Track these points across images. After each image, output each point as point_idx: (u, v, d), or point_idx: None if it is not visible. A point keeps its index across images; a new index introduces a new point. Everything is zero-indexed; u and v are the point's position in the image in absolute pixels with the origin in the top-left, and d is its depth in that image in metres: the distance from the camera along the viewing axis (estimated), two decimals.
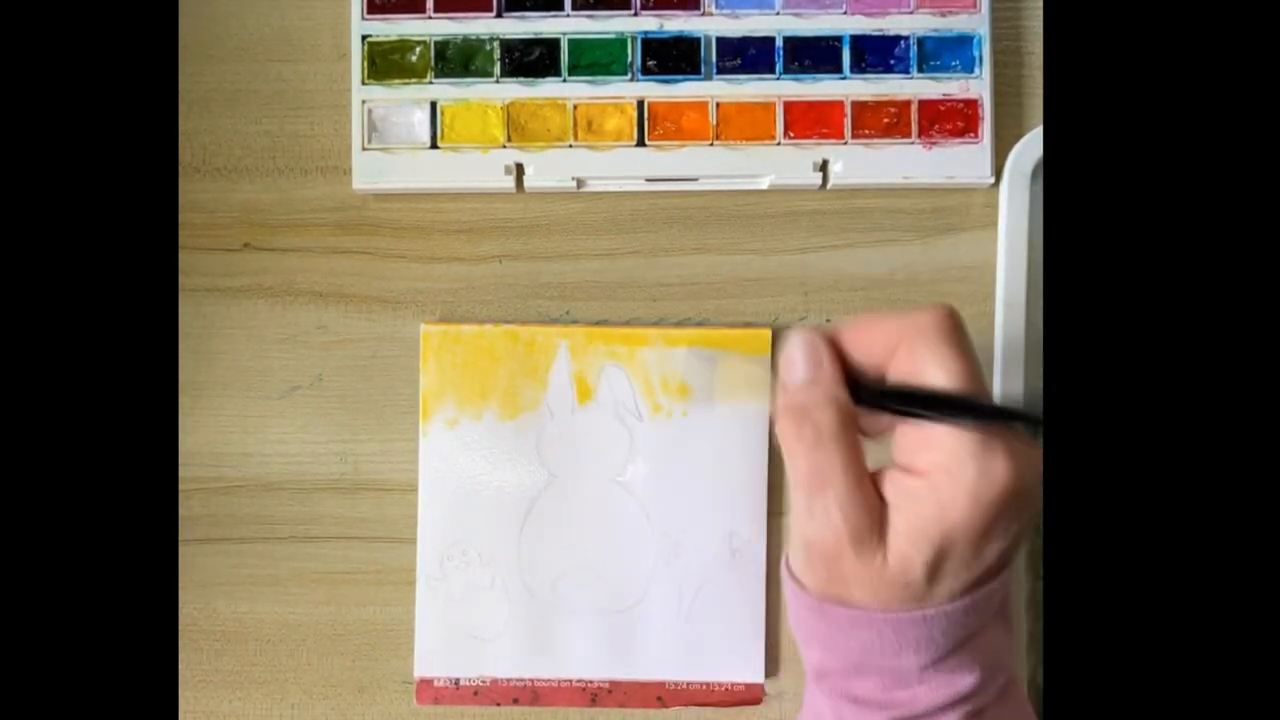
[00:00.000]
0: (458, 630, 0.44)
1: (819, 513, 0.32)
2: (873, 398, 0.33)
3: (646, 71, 0.44)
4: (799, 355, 0.34)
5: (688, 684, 0.44)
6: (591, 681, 0.44)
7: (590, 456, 0.44)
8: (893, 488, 0.32)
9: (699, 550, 0.43)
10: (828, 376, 0.33)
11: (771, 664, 0.44)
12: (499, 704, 0.44)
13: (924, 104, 0.44)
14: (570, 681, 0.44)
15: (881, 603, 0.32)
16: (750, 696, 0.44)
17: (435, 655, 0.44)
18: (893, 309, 0.45)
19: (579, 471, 0.44)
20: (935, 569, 0.31)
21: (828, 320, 0.45)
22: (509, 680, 0.44)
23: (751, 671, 0.44)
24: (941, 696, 0.33)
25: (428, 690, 0.44)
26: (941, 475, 0.31)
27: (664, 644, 0.44)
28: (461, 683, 0.44)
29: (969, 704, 0.33)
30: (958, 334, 0.32)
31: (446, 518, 0.44)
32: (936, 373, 0.32)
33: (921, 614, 0.32)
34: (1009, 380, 0.43)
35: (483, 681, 0.44)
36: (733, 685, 0.44)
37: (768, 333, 0.44)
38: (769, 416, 0.43)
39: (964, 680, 0.33)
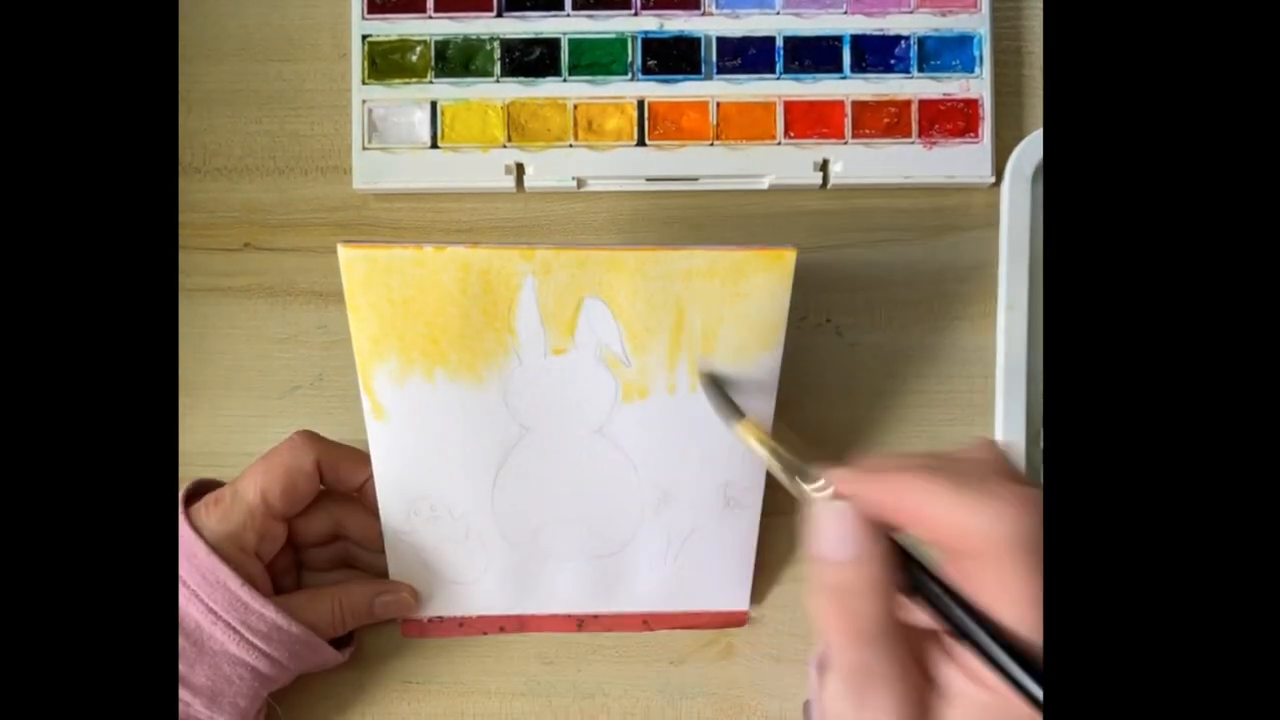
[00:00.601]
0: (435, 578, 0.42)
1: (869, 709, 0.27)
2: (930, 600, 0.27)
3: (647, 71, 0.44)
4: (839, 529, 0.28)
5: (673, 614, 0.43)
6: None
7: (568, 407, 0.39)
8: (956, 688, 0.27)
9: (691, 501, 0.41)
10: (874, 558, 0.27)
11: (756, 595, 0.44)
12: (485, 633, 0.44)
13: (924, 104, 0.44)
14: (556, 613, 0.43)
15: None
16: (735, 620, 0.44)
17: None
18: (889, 309, 0.45)
19: (556, 423, 0.39)
20: None
21: (828, 320, 0.44)
22: (495, 615, 0.43)
23: (737, 602, 0.43)
24: None
25: (414, 624, 0.43)
26: (1014, 707, 0.26)
27: (650, 582, 0.43)
28: (446, 617, 0.43)
29: None
30: (1036, 552, 0.26)
31: (406, 478, 0.40)
32: (1005, 606, 0.26)
33: None
34: (1011, 382, 0.43)
35: (466, 614, 0.43)
36: (718, 611, 0.44)
37: (792, 254, 0.37)
38: (775, 365, 0.39)
39: None
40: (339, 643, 0.42)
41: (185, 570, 0.37)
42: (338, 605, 0.41)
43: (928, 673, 0.28)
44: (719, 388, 0.37)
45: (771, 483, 0.41)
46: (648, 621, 0.44)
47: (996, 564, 0.26)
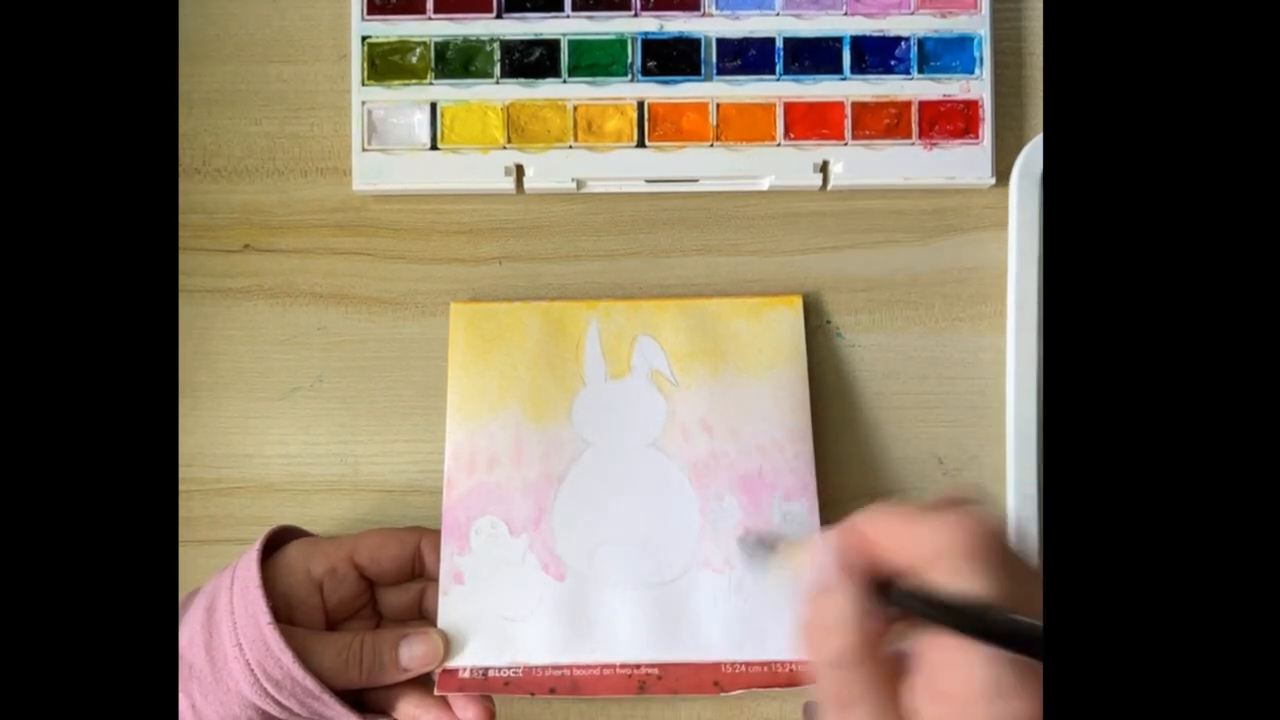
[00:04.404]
0: (486, 612, 0.40)
1: None
2: (901, 601, 0.30)
3: (647, 72, 0.44)
4: (822, 563, 0.31)
5: (746, 665, 0.40)
6: (638, 667, 0.40)
7: (627, 422, 0.43)
8: (921, 707, 0.30)
9: (746, 512, 0.41)
10: (851, 588, 0.30)
11: None
12: (534, 694, 0.39)
13: (924, 105, 0.44)
14: (614, 667, 0.40)
15: None
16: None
17: (461, 641, 0.40)
18: (890, 310, 0.45)
19: (615, 438, 0.42)
20: None
21: (829, 321, 0.44)
22: (544, 668, 0.39)
23: None
24: None
25: (451, 680, 0.39)
26: (965, 708, 0.28)
27: (714, 619, 0.40)
28: (490, 673, 0.39)
29: None
30: (998, 550, 0.29)
31: (471, 494, 0.42)
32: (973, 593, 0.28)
33: None
34: (1022, 384, 0.43)
35: (514, 671, 0.39)
36: (796, 665, 0.40)
37: (798, 300, 0.44)
38: (806, 378, 0.43)
39: None
40: (363, 708, 0.39)
41: (238, 599, 0.37)
42: (355, 649, 0.38)
43: (900, 709, 0.30)
44: (761, 546, 0.38)
45: (825, 496, 0.43)
46: (719, 683, 0.39)
47: (949, 566, 0.28)
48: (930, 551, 0.29)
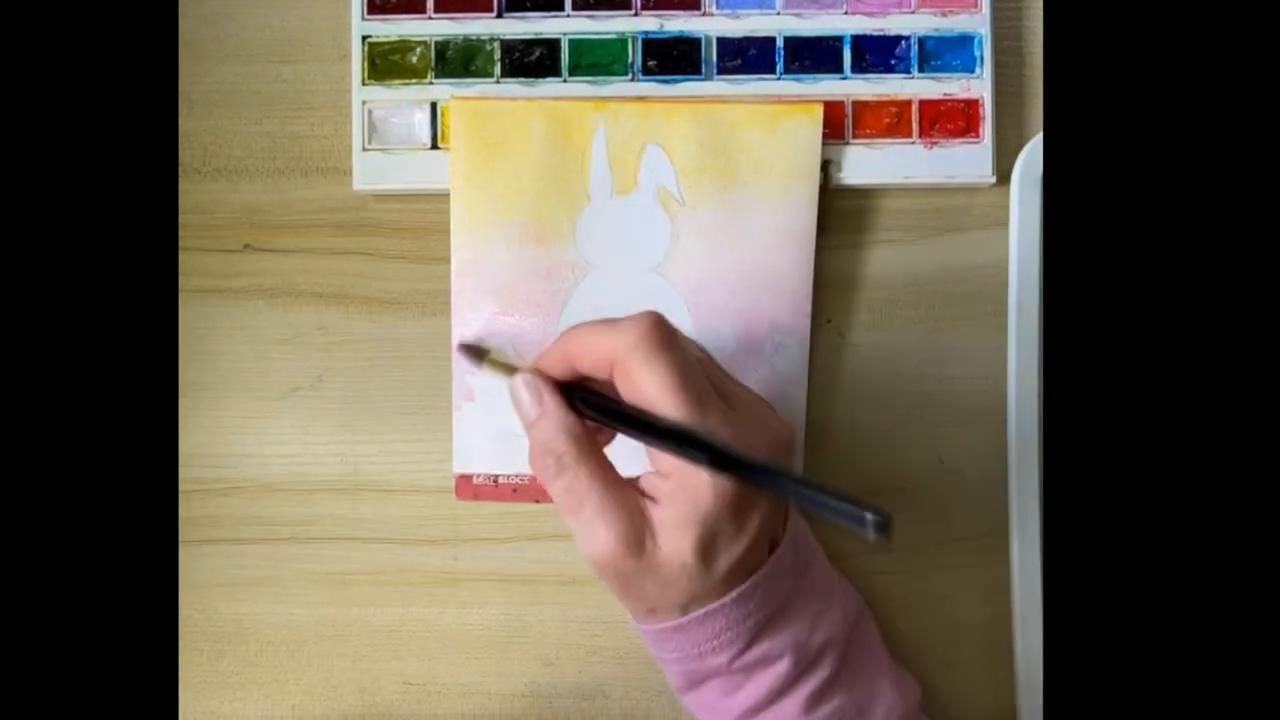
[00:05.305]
0: (496, 427, 0.43)
1: (584, 528, 0.34)
2: (591, 412, 0.36)
3: (647, 72, 0.44)
4: (523, 398, 0.36)
5: None
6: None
7: (631, 245, 0.43)
8: (652, 489, 0.35)
9: (740, 343, 0.43)
10: (551, 408, 0.36)
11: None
12: (538, 501, 0.43)
13: (925, 104, 0.44)
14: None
15: (672, 598, 0.35)
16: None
17: (473, 452, 0.43)
18: (890, 309, 0.45)
19: (619, 260, 0.43)
20: (705, 550, 0.34)
21: (829, 321, 0.44)
22: None
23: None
24: (765, 689, 0.36)
25: (467, 486, 0.43)
26: (683, 476, 0.33)
27: None
28: (500, 480, 0.43)
29: (802, 686, 0.36)
30: (664, 343, 0.34)
31: (482, 316, 0.43)
32: (648, 386, 0.33)
33: (705, 610, 0.35)
34: (1023, 383, 0.43)
35: (521, 479, 0.43)
36: None
37: (818, 109, 0.43)
38: (815, 205, 0.43)
39: (779, 667, 0.35)
40: None
41: None
42: None
43: (642, 493, 0.35)
44: (467, 350, 0.41)
45: (818, 333, 0.44)
46: None
47: (630, 361, 0.33)
48: (615, 356, 0.34)
